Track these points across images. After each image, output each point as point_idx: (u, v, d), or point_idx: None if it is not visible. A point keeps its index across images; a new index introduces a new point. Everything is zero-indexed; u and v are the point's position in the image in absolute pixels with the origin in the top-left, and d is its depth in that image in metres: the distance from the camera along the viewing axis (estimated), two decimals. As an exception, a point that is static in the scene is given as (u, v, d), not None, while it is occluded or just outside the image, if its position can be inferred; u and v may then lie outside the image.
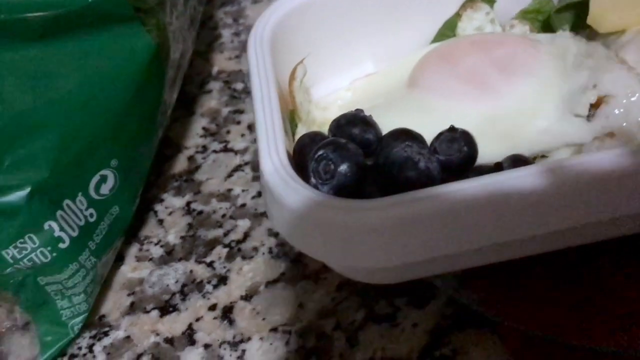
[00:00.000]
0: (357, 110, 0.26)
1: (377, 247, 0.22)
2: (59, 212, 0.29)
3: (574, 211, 0.22)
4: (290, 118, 0.30)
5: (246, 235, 0.36)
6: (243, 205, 0.38)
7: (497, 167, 0.24)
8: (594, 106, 0.25)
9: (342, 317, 0.31)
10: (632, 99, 0.24)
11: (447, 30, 0.32)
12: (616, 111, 0.25)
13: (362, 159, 0.23)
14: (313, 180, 0.23)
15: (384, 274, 0.25)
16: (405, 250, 0.22)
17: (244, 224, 0.37)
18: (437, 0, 0.32)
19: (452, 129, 0.24)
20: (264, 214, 0.37)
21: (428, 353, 0.29)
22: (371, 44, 0.34)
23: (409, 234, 0.21)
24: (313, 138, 0.25)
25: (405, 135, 0.23)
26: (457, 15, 0.32)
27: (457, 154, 0.23)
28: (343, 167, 0.23)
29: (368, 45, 0.34)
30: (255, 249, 0.35)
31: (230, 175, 0.39)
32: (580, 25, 0.31)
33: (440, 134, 0.24)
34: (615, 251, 0.27)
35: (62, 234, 0.29)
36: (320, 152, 0.23)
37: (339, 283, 0.33)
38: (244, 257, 0.35)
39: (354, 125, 0.25)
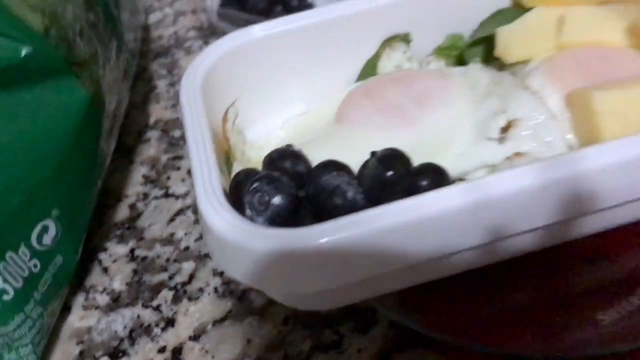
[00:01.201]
0: (287, 145, 0.28)
1: (310, 272, 0.23)
2: (2, 264, 0.29)
3: (488, 227, 0.24)
4: (226, 158, 0.31)
5: (191, 277, 0.37)
6: (187, 248, 0.38)
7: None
8: (504, 129, 0.27)
9: (289, 349, 0.32)
10: (538, 120, 0.27)
11: (369, 69, 0.34)
12: (524, 133, 0.27)
13: (294, 190, 0.25)
14: (248, 212, 0.25)
15: (323, 299, 0.26)
16: (335, 274, 0.23)
17: (188, 266, 0.37)
18: (358, 42, 0.34)
19: (372, 153, 0.25)
20: (207, 256, 0.38)
21: (373, 376, 0.31)
22: (301, 86, 0.35)
23: (337, 258, 0.23)
24: (248, 174, 0.27)
25: (332, 166, 0.25)
26: (377, 55, 0.34)
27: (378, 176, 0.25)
28: (276, 199, 0.24)
29: (298, 87, 0.35)
30: (201, 289, 0.36)
31: (172, 220, 0.40)
32: (490, 58, 0.33)
33: (366, 162, 0.26)
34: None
35: (6, 286, 0.29)
36: (255, 185, 0.25)
37: (285, 316, 0.34)
38: (190, 299, 0.36)
39: (285, 159, 0.27)
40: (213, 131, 0.30)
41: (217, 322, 0.34)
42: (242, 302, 0.35)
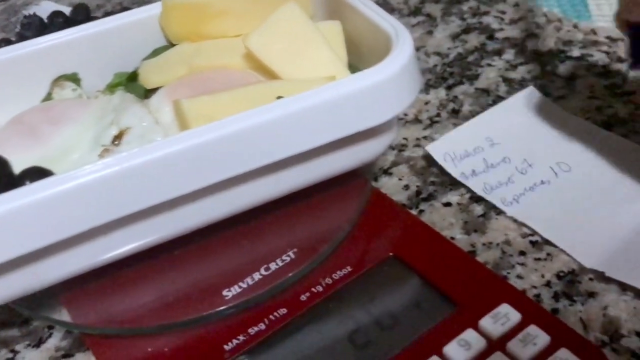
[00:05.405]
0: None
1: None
2: None
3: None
4: None
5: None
6: None
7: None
8: (118, 137, 0.31)
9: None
10: (144, 126, 0.31)
11: (43, 108, 0.38)
12: (134, 137, 0.31)
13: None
14: None
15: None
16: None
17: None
18: (30, 83, 0.38)
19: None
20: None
21: (42, 382, 0.33)
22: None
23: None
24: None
25: None
26: (49, 94, 0.38)
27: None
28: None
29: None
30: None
31: None
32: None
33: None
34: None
35: None
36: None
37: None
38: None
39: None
40: None
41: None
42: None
